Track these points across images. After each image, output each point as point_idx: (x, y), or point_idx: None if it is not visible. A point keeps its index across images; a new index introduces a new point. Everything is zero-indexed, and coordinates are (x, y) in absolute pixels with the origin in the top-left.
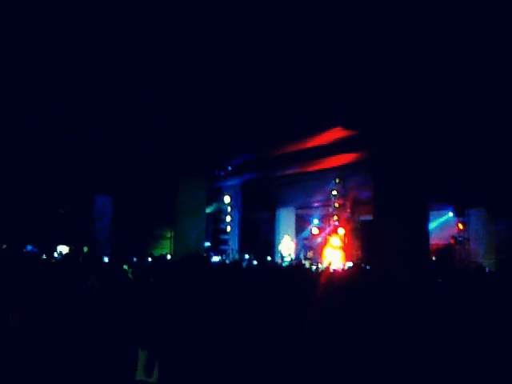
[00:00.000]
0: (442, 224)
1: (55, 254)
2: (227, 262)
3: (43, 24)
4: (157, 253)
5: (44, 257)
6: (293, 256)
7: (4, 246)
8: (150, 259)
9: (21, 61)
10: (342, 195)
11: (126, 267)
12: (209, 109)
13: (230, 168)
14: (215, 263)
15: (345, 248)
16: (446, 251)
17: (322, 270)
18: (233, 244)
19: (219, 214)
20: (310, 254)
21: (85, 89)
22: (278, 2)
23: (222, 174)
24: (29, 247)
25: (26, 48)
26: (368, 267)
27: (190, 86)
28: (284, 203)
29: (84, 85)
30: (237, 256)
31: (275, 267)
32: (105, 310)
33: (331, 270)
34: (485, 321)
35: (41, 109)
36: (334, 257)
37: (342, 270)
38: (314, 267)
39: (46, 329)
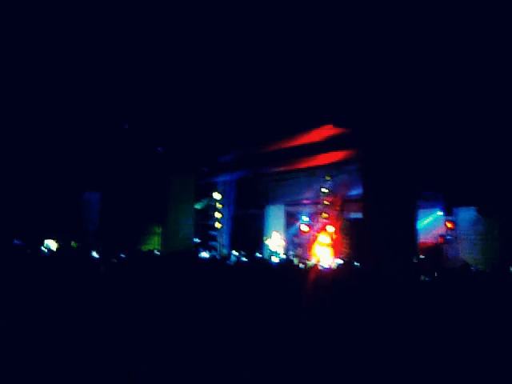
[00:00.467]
0: (431, 222)
1: (43, 249)
2: (217, 257)
3: (36, 24)
4: (145, 248)
5: (31, 251)
6: (281, 254)
7: None
8: (138, 255)
9: (9, 59)
10: (332, 193)
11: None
12: (198, 105)
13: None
14: (203, 259)
15: (334, 245)
16: (434, 250)
17: (310, 267)
18: (222, 240)
19: (209, 211)
20: (298, 251)
21: (76, 86)
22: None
23: (208, 170)
24: (16, 242)
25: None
26: (357, 264)
27: (181, 84)
28: (274, 200)
29: (75, 82)
30: (224, 252)
31: (263, 263)
32: (94, 305)
33: (319, 268)
34: (470, 317)
35: (31, 104)
36: (323, 254)
37: (330, 267)
38: (302, 264)
39: (34, 325)
